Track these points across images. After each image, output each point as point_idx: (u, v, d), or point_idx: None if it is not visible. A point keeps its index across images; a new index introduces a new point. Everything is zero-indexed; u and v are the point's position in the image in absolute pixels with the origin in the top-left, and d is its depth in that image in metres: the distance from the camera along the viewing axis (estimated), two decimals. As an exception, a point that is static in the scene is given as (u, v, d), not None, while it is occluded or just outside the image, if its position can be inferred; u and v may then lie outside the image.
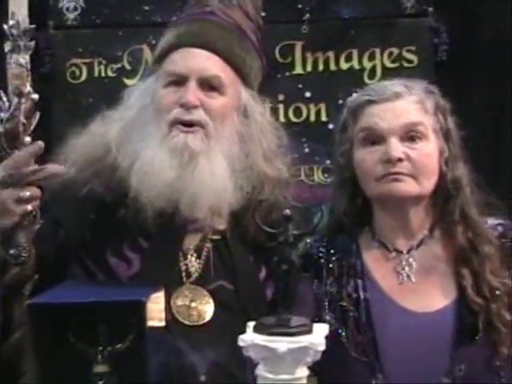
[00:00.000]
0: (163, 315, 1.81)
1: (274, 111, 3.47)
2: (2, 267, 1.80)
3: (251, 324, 1.52)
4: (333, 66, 3.71)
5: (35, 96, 1.79)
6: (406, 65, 3.68)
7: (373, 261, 1.98)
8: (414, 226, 1.96)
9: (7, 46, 1.79)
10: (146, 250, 1.94)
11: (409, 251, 1.96)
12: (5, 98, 1.77)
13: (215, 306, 1.93)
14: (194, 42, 1.98)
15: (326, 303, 1.95)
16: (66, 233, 1.95)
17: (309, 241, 2.02)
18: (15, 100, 1.77)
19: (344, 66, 3.71)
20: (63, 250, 1.94)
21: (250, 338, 1.49)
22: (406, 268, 1.95)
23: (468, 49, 3.67)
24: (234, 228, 1.99)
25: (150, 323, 1.67)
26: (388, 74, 3.36)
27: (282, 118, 3.62)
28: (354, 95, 2.01)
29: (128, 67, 3.71)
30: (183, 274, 1.95)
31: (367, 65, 3.69)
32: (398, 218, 1.96)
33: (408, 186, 1.91)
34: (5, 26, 1.79)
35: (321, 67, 3.71)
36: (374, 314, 1.92)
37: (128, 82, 3.60)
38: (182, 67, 1.96)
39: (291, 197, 2.04)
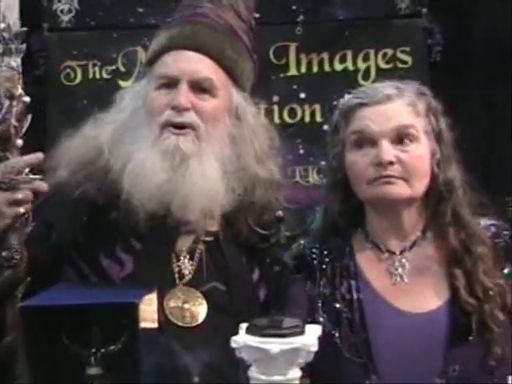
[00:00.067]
0: (156, 317, 1.80)
1: (269, 112, 3.48)
2: (-5, 270, 1.80)
3: (244, 325, 1.52)
4: (327, 67, 3.71)
5: (27, 99, 1.79)
6: (400, 66, 3.68)
7: (366, 262, 1.98)
8: (406, 227, 1.96)
9: (-2, 49, 1.79)
10: (138, 252, 1.95)
11: (402, 252, 1.96)
12: (-4, 101, 1.78)
13: (208, 308, 1.94)
14: (186, 45, 1.98)
15: (320, 304, 1.95)
16: (59, 235, 1.95)
17: (302, 242, 2.01)
18: (6, 103, 1.77)
19: (338, 67, 3.71)
20: (56, 252, 1.94)
21: (242, 339, 1.49)
22: (399, 269, 1.95)
23: (462, 49, 3.67)
24: (227, 230, 1.99)
25: (143, 325, 1.66)
26: (382, 74, 3.34)
27: (276, 119, 3.62)
28: (346, 97, 2.00)
29: (122, 69, 3.71)
30: (176, 275, 1.95)
31: (361, 66, 3.69)
32: (390, 220, 1.96)
33: (400, 189, 1.91)
34: (-4, 29, 1.80)
35: (315, 68, 3.71)
36: (368, 314, 1.92)
37: (123, 83, 3.60)
38: (174, 69, 1.96)
39: (286, 198, 2.04)
